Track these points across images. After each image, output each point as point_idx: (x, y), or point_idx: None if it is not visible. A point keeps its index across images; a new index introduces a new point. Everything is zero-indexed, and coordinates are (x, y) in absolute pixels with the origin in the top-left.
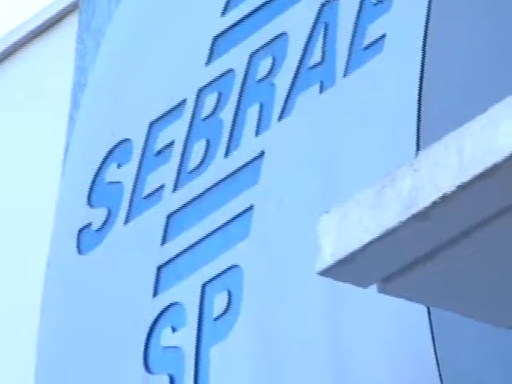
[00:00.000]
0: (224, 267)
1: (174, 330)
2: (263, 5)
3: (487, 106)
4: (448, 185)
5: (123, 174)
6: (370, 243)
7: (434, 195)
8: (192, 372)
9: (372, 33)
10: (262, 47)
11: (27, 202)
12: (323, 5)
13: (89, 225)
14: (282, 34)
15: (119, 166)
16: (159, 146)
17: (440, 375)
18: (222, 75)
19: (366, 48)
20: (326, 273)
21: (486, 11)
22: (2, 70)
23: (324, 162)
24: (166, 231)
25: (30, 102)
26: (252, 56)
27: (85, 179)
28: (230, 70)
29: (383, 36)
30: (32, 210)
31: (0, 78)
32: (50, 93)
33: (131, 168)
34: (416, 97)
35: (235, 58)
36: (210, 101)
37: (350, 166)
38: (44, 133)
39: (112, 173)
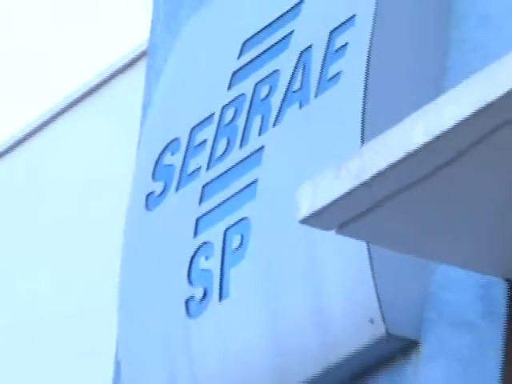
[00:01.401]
0: (238, 218)
1: (206, 258)
2: (264, 52)
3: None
4: (382, 165)
5: (174, 160)
6: (333, 202)
7: (373, 171)
8: (218, 285)
9: (333, 70)
10: (264, 79)
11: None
12: (302, 52)
13: (153, 192)
14: (276, 71)
15: (172, 154)
16: (197, 141)
17: (381, 307)
18: (238, 97)
19: (329, 80)
20: (304, 222)
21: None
22: (99, 94)
23: (303, 151)
24: (201, 196)
25: (113, 122)
26: (257, 84)
27: (150, 163)
28: (243, 94)
29: (340, 72)
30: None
31: (96, 101)
32: (128, 114)
33: (179, 155)
34: (360, 111)
35: (246, 86)
36: (229, 113)
37: (319, 155)
38: (125, 139)
39: (167, 159)
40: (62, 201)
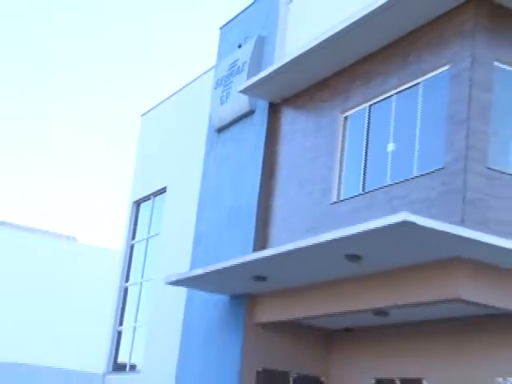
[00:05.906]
0: None
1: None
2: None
3: None
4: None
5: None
6: (250, 84)
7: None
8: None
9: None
10: (231, 72)
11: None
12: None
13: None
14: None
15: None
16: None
17: None
18: (228, 69)
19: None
20: (241, 91)
21: None
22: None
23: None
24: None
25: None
26: (232, 68)
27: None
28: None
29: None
30: None
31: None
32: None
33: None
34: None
35: (225, 72)
36: (225, 71)
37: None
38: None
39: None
40: None
